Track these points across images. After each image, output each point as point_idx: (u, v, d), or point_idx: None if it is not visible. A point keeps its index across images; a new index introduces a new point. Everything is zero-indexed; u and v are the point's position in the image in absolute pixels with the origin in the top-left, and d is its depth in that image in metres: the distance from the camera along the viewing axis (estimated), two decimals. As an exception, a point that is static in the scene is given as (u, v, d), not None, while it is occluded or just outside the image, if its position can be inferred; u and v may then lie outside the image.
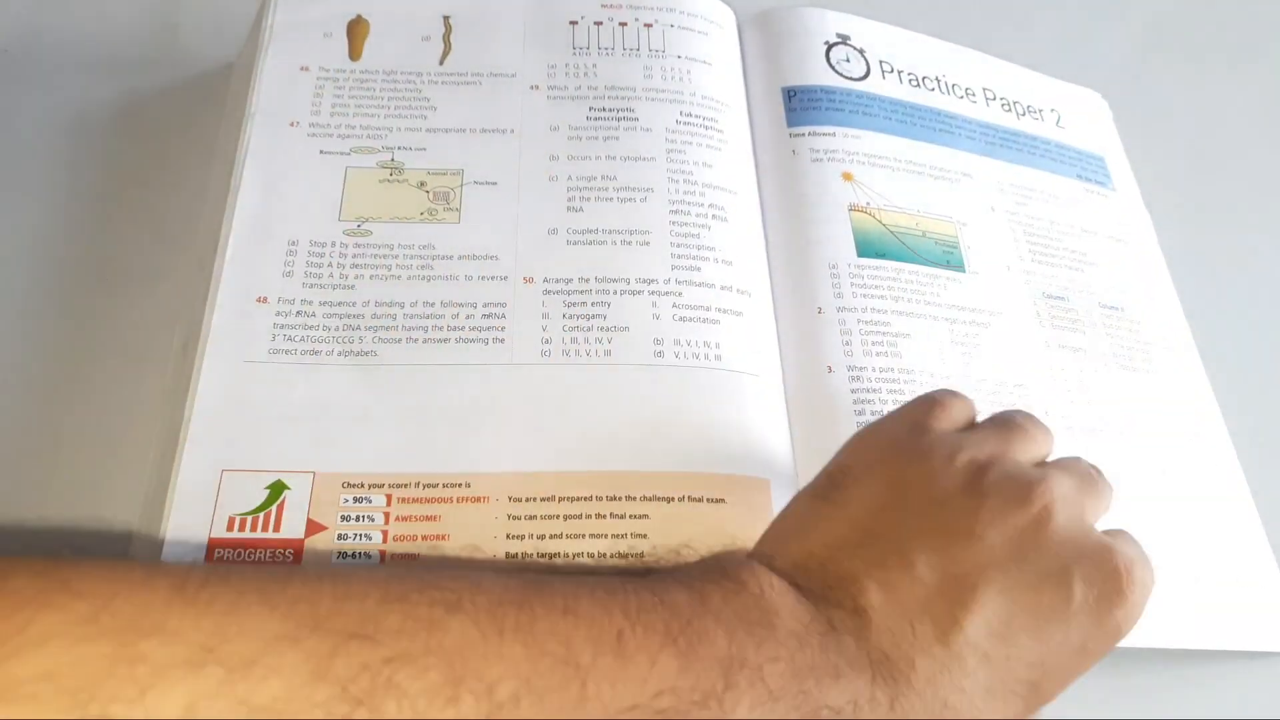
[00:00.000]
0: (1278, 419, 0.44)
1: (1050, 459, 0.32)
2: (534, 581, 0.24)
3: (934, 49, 0.51)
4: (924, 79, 0.49)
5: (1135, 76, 0.57)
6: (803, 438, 0.37)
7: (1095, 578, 0.27)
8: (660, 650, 0.23)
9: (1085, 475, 0.30)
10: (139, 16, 0.50)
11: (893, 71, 0.49)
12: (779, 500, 0.34)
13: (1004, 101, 0.51)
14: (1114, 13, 0.60)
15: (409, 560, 0.32)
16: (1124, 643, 0.35)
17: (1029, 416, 0.32)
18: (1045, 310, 0.43)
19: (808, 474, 0.32)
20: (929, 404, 0.31)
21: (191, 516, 0.33)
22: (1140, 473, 0.39)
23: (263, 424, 0.35)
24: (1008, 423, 0.31)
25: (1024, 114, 0.51)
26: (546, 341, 0.37)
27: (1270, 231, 0.51)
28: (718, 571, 0.27)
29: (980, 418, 0.33)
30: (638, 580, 0.26)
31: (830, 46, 0.49)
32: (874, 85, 0.48)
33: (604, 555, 0.33)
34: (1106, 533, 0.29)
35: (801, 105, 0.46)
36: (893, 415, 0.32)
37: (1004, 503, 0.27)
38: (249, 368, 0.36)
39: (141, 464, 0.36)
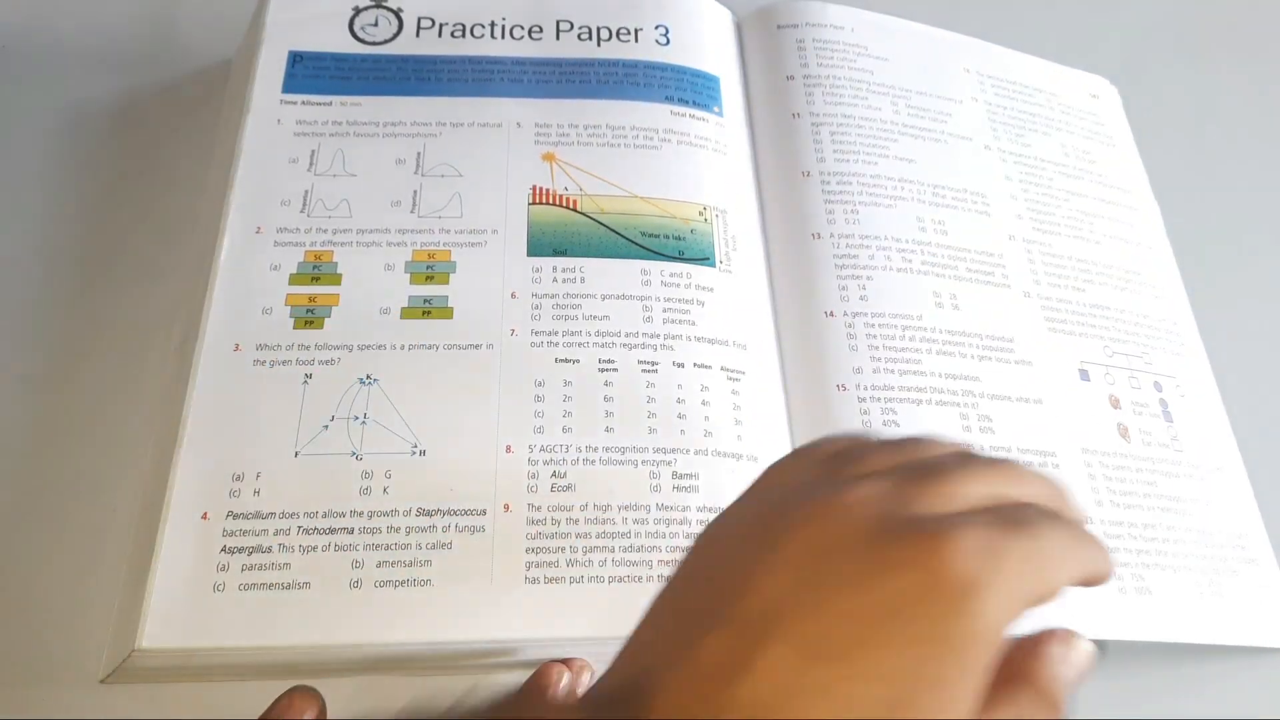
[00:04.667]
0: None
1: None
2: None
3: None
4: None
5: (1143, 65, 0.56)
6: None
7: (908, 560, 0.22)
8: None
9: (921, 467, 0.25)
10: (137, 13, 0.50)
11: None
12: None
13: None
14: (1120, 2, 0.59)
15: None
16: (1129, 637, 0.35)
17: (875, 436, 0.27)
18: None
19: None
20: (764, 471, 0.27)
21: (189, 511, 0.33)
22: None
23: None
24: (834, 450, 0.27)
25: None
26: None
27: (1276, 222, 0.51)
28: None
29: None
30: None
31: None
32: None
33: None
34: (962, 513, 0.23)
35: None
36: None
37: (787, 526, 0.23)
38: (247, 366, 0.36)
39: (140, 460, 0.36)
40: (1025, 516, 0.23)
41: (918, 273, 0.42)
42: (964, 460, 0.25)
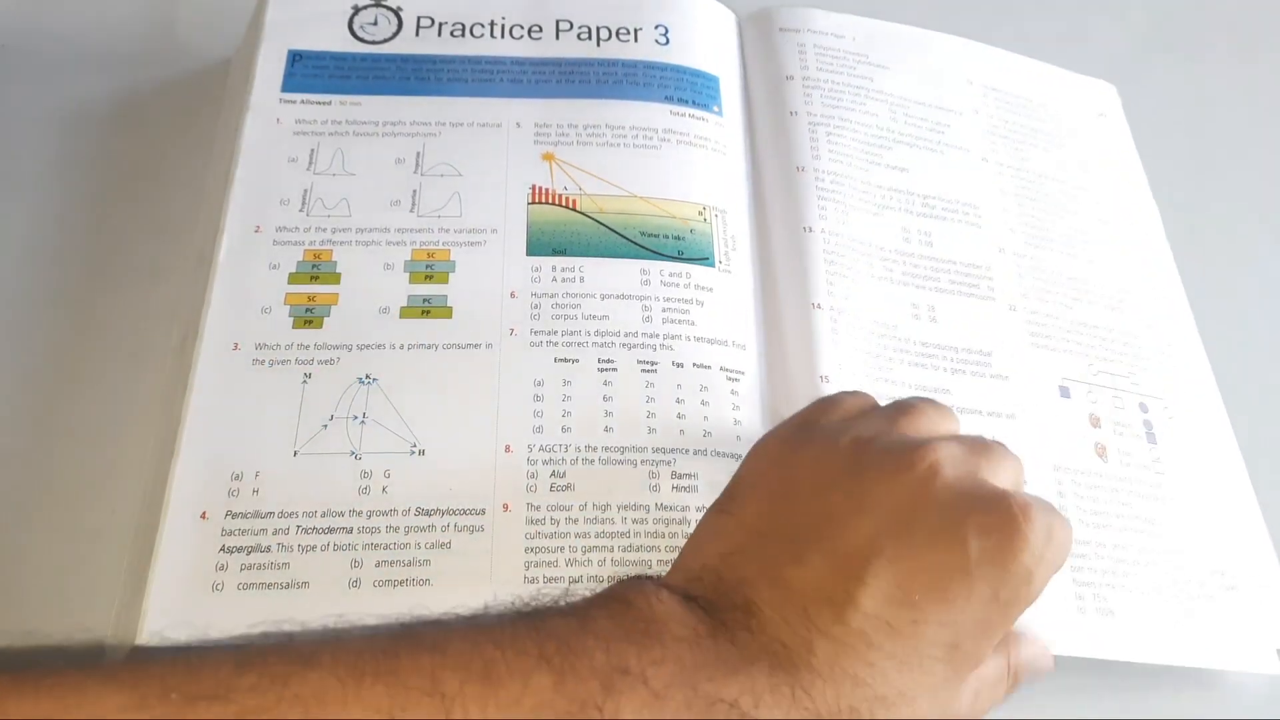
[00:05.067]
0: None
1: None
2: (405, 631, 0.25)
3: None
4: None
5: (1142, 67, 0.56)
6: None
7: (990, 526, 0.26)
8: (533, 671, 0.23)
9: (979, 441, 0.30)
10: (136, 12, 0.50)
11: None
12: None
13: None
14: (1118, 2, 0.59)
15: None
16: (1134, 658, 0.34)
17: (927, 400, 0.32)
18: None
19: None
20: (820, 403, 0.32)
21: (188, 510, 0.33)
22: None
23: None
24: (899, 405, 0.31)
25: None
26: None
27: (1275, 224, 0.51)
28: (605, 596, 0.27)
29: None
30: (518, 614, 0.26)
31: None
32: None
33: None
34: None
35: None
36: (788, 420, 0.32)
37: (885, 472, 0.27)
38: (246, 365, 0.36)
39: (139, 460, 0.36)
40: (1054, 507, 0.28)
41: (898, 283, 0.42)
42: (1003, 445, 0.31)
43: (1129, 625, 0.35)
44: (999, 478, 0.29)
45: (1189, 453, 0.41)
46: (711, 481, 0.35)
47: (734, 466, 0.32)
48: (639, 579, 0.28)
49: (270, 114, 0.43)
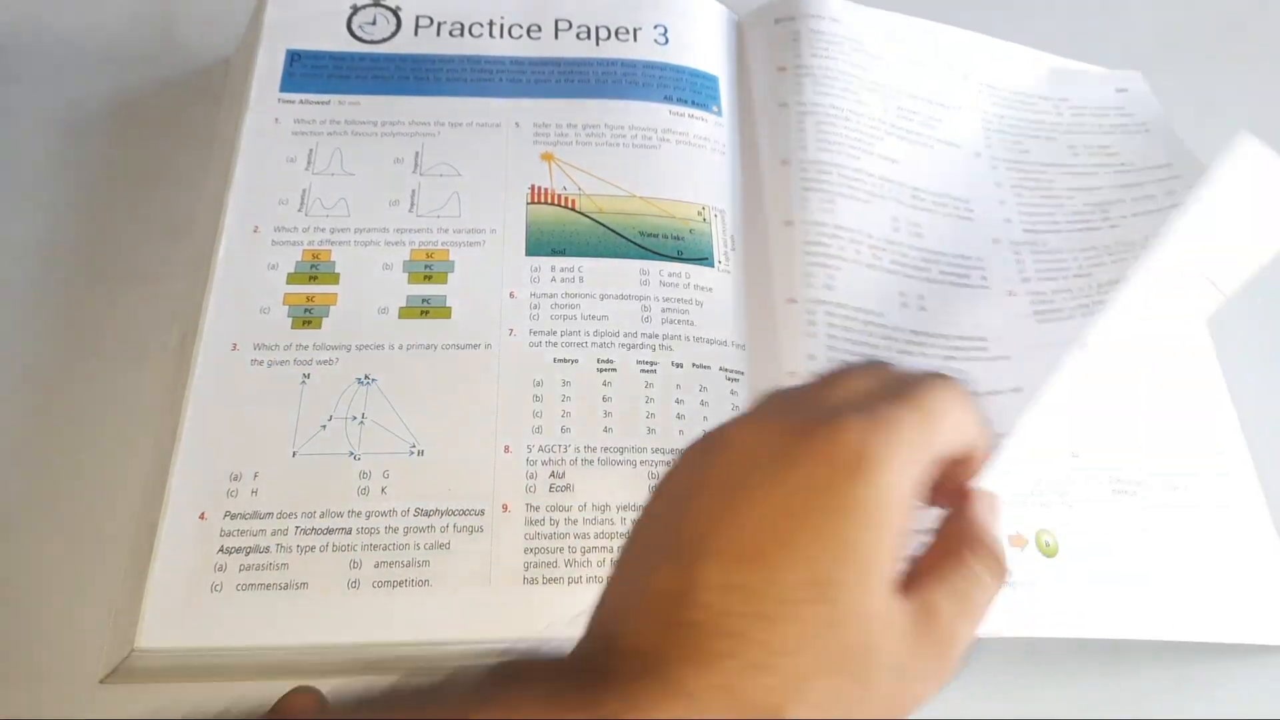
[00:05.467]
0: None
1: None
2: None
3: None
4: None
5: (1174, 57, 0.55)
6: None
7: (803, 450, 0.24)
8: None
9: (821, 378, 0.27)
10: (136, 12, 0.50)
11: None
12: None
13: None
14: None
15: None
16: (1131, 635, 0.35)
17: (856, 366, 0.28)
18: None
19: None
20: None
21: (187, 510, 0.33)
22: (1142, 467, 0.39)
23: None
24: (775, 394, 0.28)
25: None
26: None
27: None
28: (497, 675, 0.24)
29: None
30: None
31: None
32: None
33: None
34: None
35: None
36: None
37: (708, 457, 0.25)
38: (245, 365, 0.36)
39: (138, 460, 0.36)
40: (909, 389, 0.25)
41: (886, 271, 0.42)
42: (864, 366, 0.27)
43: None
44: (843, 397, 0.26)
45: (1197, 420, 0.41)
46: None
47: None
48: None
49: (269, 114, 0.42)
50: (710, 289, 0.40)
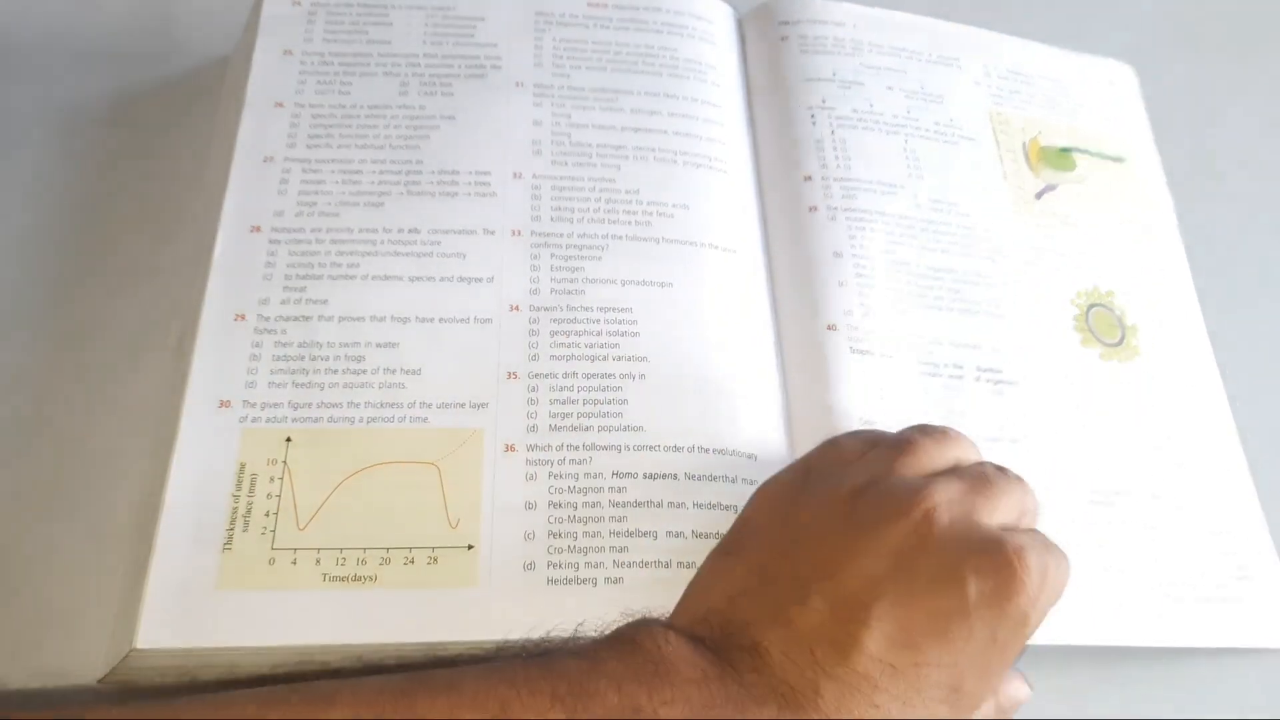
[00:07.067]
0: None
1: (963, 463, 0.32)
2: (419, 673, 0.25)
3: None
4: None
5: (1165, 50, 0.55)
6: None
7: (987, 569, 0.27)
8: (547, 711, 0.24)
9: (978, 477, 0.30)
10: (134, 11, 0.50)
11: None
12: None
13: None
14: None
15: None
16: (1129, 642, 0.35)
17: (923, 429, 0.32)
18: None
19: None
20: (822, 448, 0.33)
21: (188, 508, 0.33)
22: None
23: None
24: (896, 443, 0.32)
25: None
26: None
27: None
28: (613, 638, 0.28)
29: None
30: (529, 655, 0.27)
31: None
32: None
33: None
34: (1008, 529, 0.29)
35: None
36: (792, 464, 0.33)
37: (883, 519, 0.28)
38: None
39: (137, 460, 0.36)
40: (1051, 541, 0.29)
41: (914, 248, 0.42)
42: (1003, 475, 0.31)
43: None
44: (997, 515, 0.30)
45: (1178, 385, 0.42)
46: (711, 481, 0.35)
47: (733, 465, 0.32)
48: (645, 621, 0.29)
49: (268, 113, 0.42)
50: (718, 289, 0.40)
